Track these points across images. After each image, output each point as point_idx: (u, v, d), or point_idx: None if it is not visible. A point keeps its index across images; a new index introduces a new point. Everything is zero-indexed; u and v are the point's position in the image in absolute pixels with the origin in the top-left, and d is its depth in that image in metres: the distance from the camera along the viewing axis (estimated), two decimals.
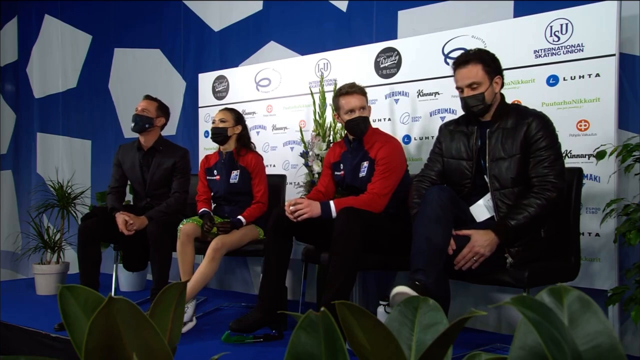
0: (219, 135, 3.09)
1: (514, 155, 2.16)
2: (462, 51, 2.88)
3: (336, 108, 2.73)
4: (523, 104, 2.70)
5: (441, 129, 2.46)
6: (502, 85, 2.30)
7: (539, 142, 2.13)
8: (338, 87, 2.81)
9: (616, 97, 2.44)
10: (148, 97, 3.32)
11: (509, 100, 2.69)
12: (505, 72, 2.77)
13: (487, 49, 2.39)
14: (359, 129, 2.66)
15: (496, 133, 2.22)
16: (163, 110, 3.32)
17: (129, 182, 3.41)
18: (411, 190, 2.44)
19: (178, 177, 3.26)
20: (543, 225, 2.15)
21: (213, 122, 3.12)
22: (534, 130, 2.14)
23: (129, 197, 3.57)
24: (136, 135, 3.32)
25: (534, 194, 2.10)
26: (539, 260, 2.15)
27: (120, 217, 3.06)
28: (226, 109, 3.17)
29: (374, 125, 2.85)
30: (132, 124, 3.24)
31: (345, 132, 2.81)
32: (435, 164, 2.42)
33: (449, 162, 2.36)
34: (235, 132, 3.12)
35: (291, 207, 2.49)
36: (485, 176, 2.25)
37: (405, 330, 0.69)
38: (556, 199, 2.09)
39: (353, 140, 2.73)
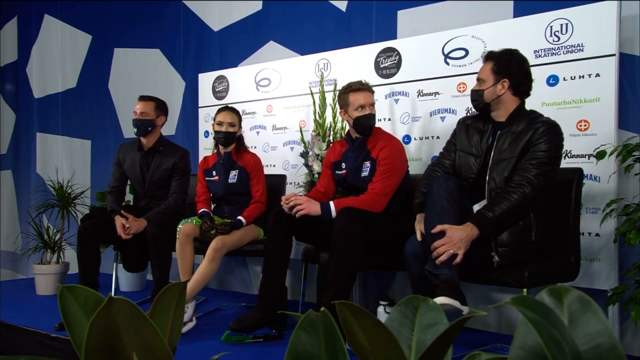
0: (229, 139, 3.08)
1: (512, 158, 2.17)
2: (462, 51, 2.90)
3: (343, 105, 2.72)
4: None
5: (459, 122, 2.47)
6: (517, 89, 2.25)
7: (538, 145, 2.12)
8: (343, 85, 2.78)
9: (616, 97, 2.44)
10: (144, 98, 3.27)
11: None
12: None
13: (517, 50, 2.31)
14: (369, 125, 2.66)
15: (505, 135, 2.22)
16: (161, 108, 3.30)
17: (129, 182, 3.41)
18: (423, 177, 2.45)
19: (177, 178, 3.25)
20: (521, 218, 2.12)
21: (220, 125, 3.07)
22: (537, 134, 2.13)
23: (129, 197, 3.57)
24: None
25: (511, 187, 2.10)
26: (528, 262, 2.12)
27: (119, 221, 3.05)
28: (232, 110, 3.13)
29: None
30: (135, 130, 3.22)
31: (347, 131, 2.81)
32: (449, 153, 2.43)
33: (459, 155, 2.37)
34: (239, 133, 3.13)
35: (290, 202, 2.50)
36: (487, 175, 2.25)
37: (405, 330, 0.69)
38: (531, 196, 2.07)
39: (356, 139, 2.73)
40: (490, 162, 2.23)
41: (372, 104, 2.68)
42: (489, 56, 2.32)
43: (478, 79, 2.33)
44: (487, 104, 2.28)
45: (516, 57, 2.29)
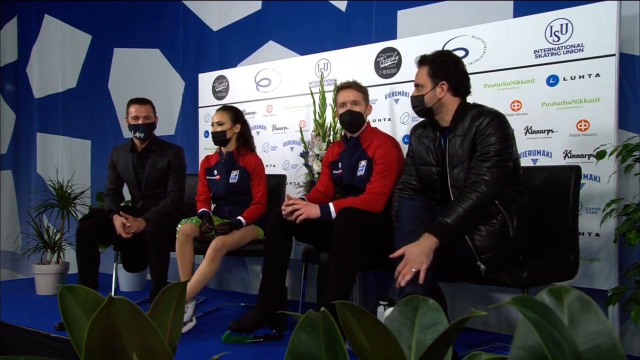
0: (218, 139, 3.07)
1: (464, 162, 2.14)
2: (462, 51, 2.90)
3: (335, 104, 2.79)
4: (523, 103, 2.71)
5: (410, 133, 2.45)
6: (457, 90, 2.23)
7: (484, 140, 2.08)
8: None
9: (616, 97, 2.44)
10: (141, 102, 3.22)
11: (508, 100, 2.71)
12: (505, 72, 2.78)
13: (450, 51, 2.34)
14: (346, 122, 2.69)
15: (453, 139, 2.19)
16: (154, 107, 3.30)
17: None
18: (392, 201, 2.43)
19: (173, 176, 3.24)
20: (481, 218, 2.08)
21: (212, 125, 3.10)
22: (482, 128, 2.09)
23: (128, 196, 3.56)
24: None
25: (467, 188, 2.07)
26: (511, 258, 2.10)
27: (118, 220, 3.04)
28: (223, 108, 3.12)
29: (373, 125, 2.86)
30: (141, 134, 3.18)
31: (344, 130, 2.82)
32: (412, 168, 2.41)
33: (420, 169, 2.34)
34: (234, 132, 3.09)
35: (288, 208, 2.50)
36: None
37: (405, 330, 0.69)
38: (489, 192, 2.03)
39: (350, 138, 2.74)
40: (448, 170, 2.20)
41: (355, 102, 2.68)
42: (423, 60, 2.29)
43: (416, 85, 2.30)
44: (429, 108, 2.26)
45: (451, 58, 2.27)
